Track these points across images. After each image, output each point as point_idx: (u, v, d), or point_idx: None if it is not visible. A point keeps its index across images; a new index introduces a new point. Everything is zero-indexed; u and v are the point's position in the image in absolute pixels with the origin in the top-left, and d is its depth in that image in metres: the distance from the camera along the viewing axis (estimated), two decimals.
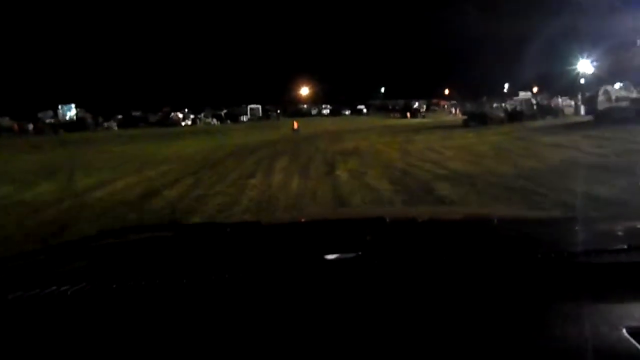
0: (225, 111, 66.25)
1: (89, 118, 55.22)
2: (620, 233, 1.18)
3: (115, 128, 54.39)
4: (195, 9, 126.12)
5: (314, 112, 73.43)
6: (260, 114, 67.29)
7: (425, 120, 49.80)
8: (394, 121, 50.21)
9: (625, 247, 0.87)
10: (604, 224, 1.35)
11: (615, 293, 0.76)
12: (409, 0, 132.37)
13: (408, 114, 55.53)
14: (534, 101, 28.51)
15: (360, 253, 0.92)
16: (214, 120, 59.14)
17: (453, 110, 59.44)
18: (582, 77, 38.62)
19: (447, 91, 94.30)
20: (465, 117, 28.62)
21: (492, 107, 32.02)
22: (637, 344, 0.63)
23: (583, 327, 0.68)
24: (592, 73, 37.83)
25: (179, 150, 19.51)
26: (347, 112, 72.13)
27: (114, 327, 0.76)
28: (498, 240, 1.12)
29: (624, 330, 0.66)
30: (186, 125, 56.03)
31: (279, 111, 69.11)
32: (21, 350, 0.72)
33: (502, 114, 27.78)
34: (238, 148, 19.54)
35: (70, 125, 50.79)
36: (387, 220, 1.30)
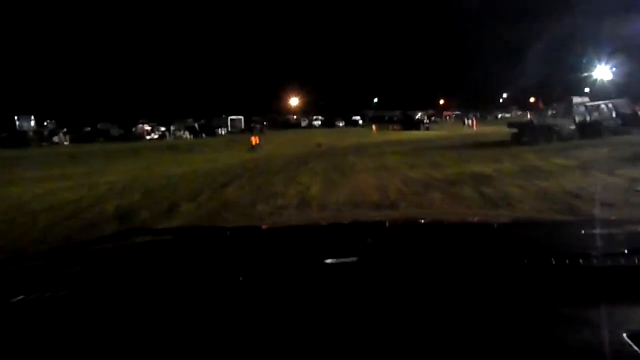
0: (201, 123, 57.49)
1: (31, 132, 46.05)
2: (620, 237, 1.14)
3: (66, 143, 45.39)
4: (177, 11, 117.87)
5: (304, 124, 65.28)
6: (243, 127, 58.63)
7: (436, 133, 41.80)
8: (398, 135, 42.19)
9: (626, 251, 0.87)
10: (605, 228, 1.30)
11: (615, 297, 0.76)
12: (402, 8, 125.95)
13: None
14: (611, 106, 20.26)
15: (360, 258, 0.91)
16: (186, 134, 50.34)
17: (466, 120, 51.29)
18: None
19: (442, 101, 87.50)
20: (514, 130, 20.29)
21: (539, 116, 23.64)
22: (637, 348, 0.62)
23: (583, 330, 0.67)
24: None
25: (33, 199, 10.67)
26: (341, 124, 64.01)
27: (114, 331, 0.76)
28: (499, 244, 1.09)
29: (624, 334, 0.65)
30: (152, 139, 47.17)
31: (265, 123, 60.67)
32: (23, 353, 0.72)
33: (571, 127, 19.46)
34: (159, 192, 10.71)
35: (8, 140, 41.62)
36: (387, 224, 1.35)
